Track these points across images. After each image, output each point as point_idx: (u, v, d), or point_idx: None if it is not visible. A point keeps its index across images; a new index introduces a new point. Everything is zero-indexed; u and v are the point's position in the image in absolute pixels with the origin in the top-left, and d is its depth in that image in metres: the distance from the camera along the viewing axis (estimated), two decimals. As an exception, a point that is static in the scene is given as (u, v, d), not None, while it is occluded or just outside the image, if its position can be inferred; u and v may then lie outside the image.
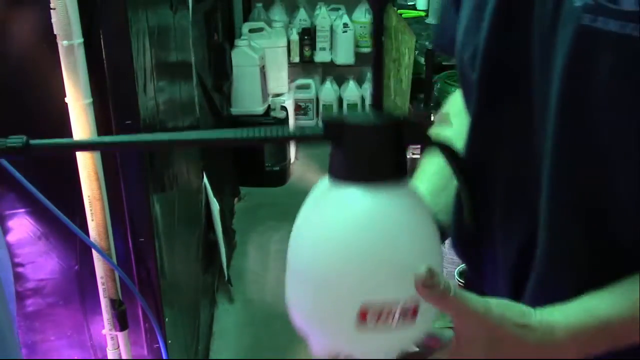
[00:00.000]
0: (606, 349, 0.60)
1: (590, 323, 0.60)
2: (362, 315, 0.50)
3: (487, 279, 0.77)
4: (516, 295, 0.69)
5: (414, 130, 0.55)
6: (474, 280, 0.81)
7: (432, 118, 0.65)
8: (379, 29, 0.54)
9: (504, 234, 0.72)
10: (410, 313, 0.52)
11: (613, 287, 0.61)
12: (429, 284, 0.51)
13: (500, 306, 0.57)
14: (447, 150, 0.58)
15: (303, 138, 0.55)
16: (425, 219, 0.55)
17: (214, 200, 2.52)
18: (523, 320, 0.58)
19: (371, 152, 0.53)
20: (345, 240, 0.51)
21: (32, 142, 0.52)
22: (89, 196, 1.35)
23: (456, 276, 1.94)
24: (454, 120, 0.74)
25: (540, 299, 0.61)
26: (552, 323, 0.58)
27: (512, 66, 0.65)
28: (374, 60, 0.55)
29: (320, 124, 0.54)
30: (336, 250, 0.51)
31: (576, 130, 0.60)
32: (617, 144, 0.59)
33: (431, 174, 0.82)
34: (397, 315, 0.51)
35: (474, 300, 0.55)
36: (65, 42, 1.23)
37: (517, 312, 0.58)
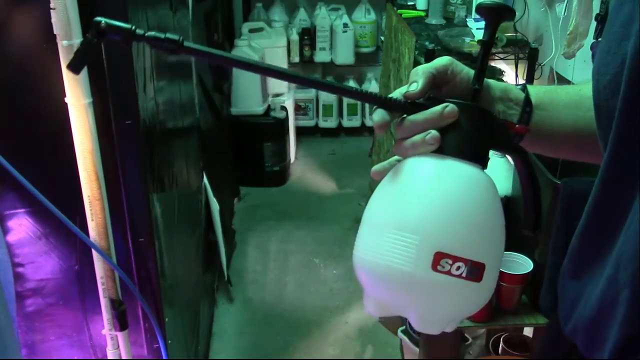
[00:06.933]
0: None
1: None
2: (437, 258, 0.57)
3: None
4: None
5: (501, 128, 0.65)
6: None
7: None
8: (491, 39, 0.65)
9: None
10: (478, 273, 0.58)
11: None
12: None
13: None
14: (523, 154, 0.66)
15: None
16: (500, 206, 0.63)
17: (214, 200, 2.52)
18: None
19: (474, 133, 0.62)
20: (445, 198, 0.59)
21: (186, 43, 0.60)
22: (89, 196, 1.35)
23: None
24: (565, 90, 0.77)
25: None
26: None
27: None
28: (480, 63, 0.66)
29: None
30: (434, 204, 0.59)
31: None
32: None
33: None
34: (467, 269, 0.57)
35: None
36: (65, 42, 1.23)
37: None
